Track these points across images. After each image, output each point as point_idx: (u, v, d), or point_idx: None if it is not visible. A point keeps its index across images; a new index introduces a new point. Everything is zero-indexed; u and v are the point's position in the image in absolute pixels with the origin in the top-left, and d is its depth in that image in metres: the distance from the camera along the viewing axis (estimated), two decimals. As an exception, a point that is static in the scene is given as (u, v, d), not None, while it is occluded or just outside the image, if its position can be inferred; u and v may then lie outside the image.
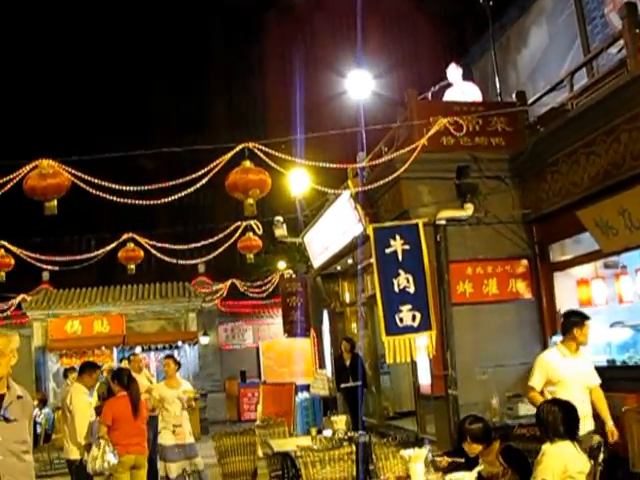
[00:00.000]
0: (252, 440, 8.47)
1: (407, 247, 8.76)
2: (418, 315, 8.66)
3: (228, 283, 20.49)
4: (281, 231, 14.56)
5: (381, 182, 9.31)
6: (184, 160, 10.13)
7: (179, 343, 19.96)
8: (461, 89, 10.83)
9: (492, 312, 9.39)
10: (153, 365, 20.22)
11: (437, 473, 5.31)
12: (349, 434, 7.97)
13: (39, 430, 14.03)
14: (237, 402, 21.16)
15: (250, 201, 8.19)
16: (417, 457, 5.09)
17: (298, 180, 12.25)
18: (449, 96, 10.78)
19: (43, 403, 16.39)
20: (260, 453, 8.69)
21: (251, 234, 13.56)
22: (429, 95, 10.91)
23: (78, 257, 14.36)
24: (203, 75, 36.35)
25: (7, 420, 4.39)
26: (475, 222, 9.46)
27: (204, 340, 21.30)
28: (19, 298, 20.24)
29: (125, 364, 14.39)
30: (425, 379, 9.95)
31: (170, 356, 10.63)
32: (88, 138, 28.67)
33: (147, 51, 34.46)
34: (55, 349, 19.77)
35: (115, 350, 19.35)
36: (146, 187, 8.73)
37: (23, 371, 17.13)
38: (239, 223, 13.47)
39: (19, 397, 4.51)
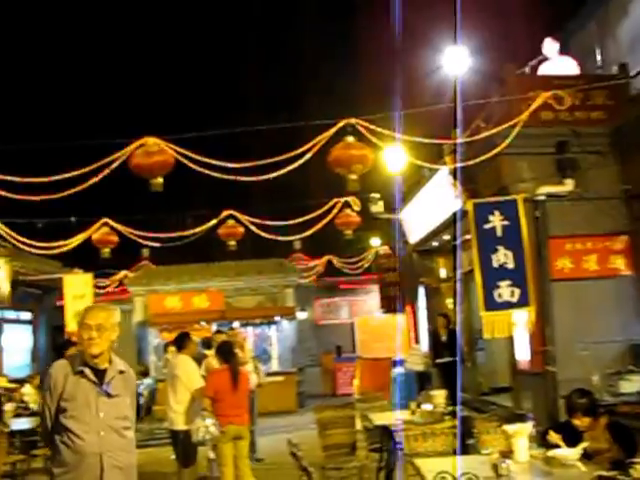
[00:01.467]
0: (351, 413, 8.64)
1: (506, 223, 8.77)
2: (517, 291, 8.67)
3: (324, 260, 20.72)
4: (377, 207, 14.65)
5: (480, 158, 9.31)
6: (283, 138, 10.30)
7: (276, 318, 20.29)
8: (557, 63, 10.66)
9: (591, 288, 9.32)
10: (252, 340, 20.64)
11: (540, 449, 5.36)
12: (449, 408, 8.08)
13: (142, 401, 14.62)
14: (332, 376, 21.44)
15: (353, 177, 8.32)
16: (520, 432, 5.15)
17: (395, 156, 12.31)
18: (545, 70, 10.63)
19: (144, 375, 17.01)
20: (359, 426, 8.87)
21: (349, 210, 13.70)
22: (526, 70, 10.78)
23: (178, 234, 14.81)
24: (300, 53, 36.51)
25: (109, 395, 4.40)
26: (575, 197, 9.37)
27: (301, 315, 21.62)
28: (121, 274, 20.94)
29: (219, 337, 14.85)
30: (523, 355, 9.94)
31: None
32: (191, 116, 29.28)
33: (245, 29, 34.86)
34: (155, 324, 20.31)
35: (214, 325, 19.84)
36: (248, 164, 8.94)
37: (125, 345, 17.73)
38: (337, 200, 13.62)
39: (121, 372, 4.54)
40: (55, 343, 20.45)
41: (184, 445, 8.75)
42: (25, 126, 24.28)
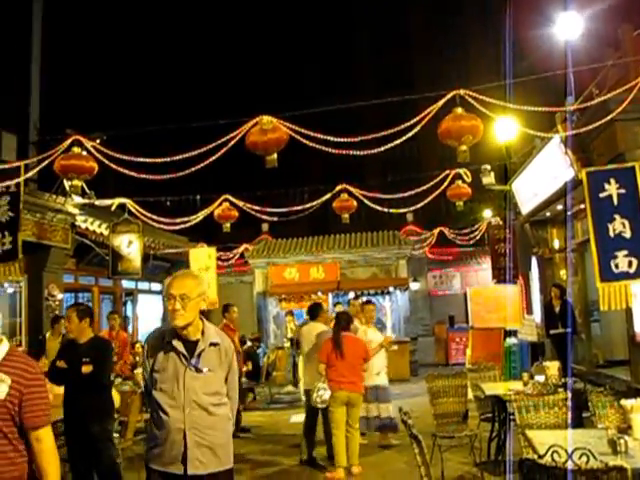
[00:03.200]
0: (463, 382, 8.43)
1: (623, 191, 8.23)
2: (635, 261, 8.15)
3: (436, 231, 20.41)
4: (489, 179, 14.25)
5: (593, 125, 8.80)
6: (394, 112, 10.11)
7: (390, 289, 20.20)
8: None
9: None
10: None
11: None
12: (562, 380, 7.75)
13: (261, 368, 14.84)
14: (445, 346, 21.18)
15: (463, 148, 8.04)
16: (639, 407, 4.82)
17: (505, 127, 11.87)
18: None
19: (259, 342, 17.25)
20: (471, 396, 8.66)
21: (460, 182, 13.37)
22: (644, 31, 10.09)
23: (295, 208, 14.91)
24: (410, 26, 35.94)
25: (198, 370, 4.05)
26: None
27: (414, 286, 21.44)
28: (242, 248, 21.30)
29: (340, 308, 14.87)
30: (642, 327, 9.44)
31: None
32: (304, 93, 29.45)
33: (356, 10, 34.69)
34: (274, 294, 20.65)
35: (330, 295, 19.96)
36: (358, 138, 8.83)
37: (246, 314, 18.19)
38: (448, 172, 13.32)
39: (213, 344, 4.16)
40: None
41: (307, 406, 9.16)
42: (149, 111, 24.95)
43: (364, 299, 13.32)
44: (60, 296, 14.49)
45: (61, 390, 7.47)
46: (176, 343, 4.08)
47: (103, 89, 26.67)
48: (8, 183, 10.13)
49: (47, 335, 11.19)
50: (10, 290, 14.02)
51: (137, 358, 13.11)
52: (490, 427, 7.97)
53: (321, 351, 8.54)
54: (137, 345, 14.26)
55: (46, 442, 3.18)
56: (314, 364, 8.72)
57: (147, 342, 4.34)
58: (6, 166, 10.33)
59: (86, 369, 6.54)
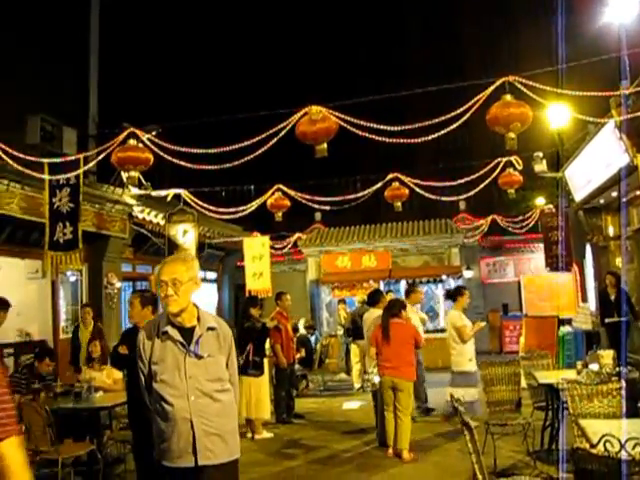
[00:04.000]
0: (516, 371, 8.34)
1: (680, 177, 8.01)
2: (692, 248, 7.93)
3: (489, 219, 20.16)
4: (541, 166, 14.01)
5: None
6: (443, 100, 10.02)
7: (443, 277, 20.03)
8: None
9: None
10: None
11: None
12: (616, 369, 7.60)
13: (314, 355, 14.92)
14: (499, 334, 20.96)
15: (511, 135, 7.92)
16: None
17: (557, 113, 11.63)
18: None
19: (312, 329, 17.31)
20: (524, 384, 8.57)
21: (511, 170, 13.18)
22: None
23: (347, 197, 14.90)
24: (459, 13, 35.49)
25: (198, 357, 3.91)
26: None
27: (467, 274, 21.21)
28: (295, 237, 21.37)
29: (391, 296, 14.83)
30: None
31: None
32: (354, 82, 29.37)
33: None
34: (327, 282, 20.68)
35: (382, 283, 19.90)
36: (408, 127, 8.77)
37: (299, 302, 18.25)
38: (499, 159, 13.14)
39: (211, 329, 4.01)
40: (237, 300, 21.34)
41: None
42: (203, 103, 25.19)
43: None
44: (118, 284, 14.79)
45: (121, 375, 7.60)
46: (172, 331, 3.94)
47: (158, 83, 27.00)
48: (68, 175, 10.35)
49: (79, 326, 11.34)
50: (72, 279, 14.37)
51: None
52: (543, 416, 7.89)
53: (371, 336, 8.86)
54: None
55: (9, 458, 2.48)
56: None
57: (140, 334, 4.11)
58: (67, 159, 10.54)
59: None
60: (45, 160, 10.04)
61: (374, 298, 10.35)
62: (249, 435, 10.17)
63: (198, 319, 4.01)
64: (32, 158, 9.66)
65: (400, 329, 8.59)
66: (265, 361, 10.52)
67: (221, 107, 16.15)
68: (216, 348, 4.02)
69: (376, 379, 8.79)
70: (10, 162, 9.41)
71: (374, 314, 9.64)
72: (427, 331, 18.43)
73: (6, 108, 12.17)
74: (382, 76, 31.69)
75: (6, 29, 14.10)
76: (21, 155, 9.52)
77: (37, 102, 13.64)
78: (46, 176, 10.25)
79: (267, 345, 10.87)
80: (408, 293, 11.46)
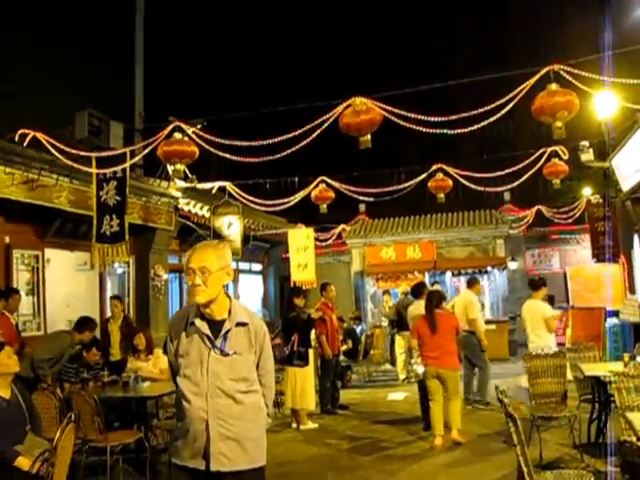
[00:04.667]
0: (562, 363, 8.21)
1: None
2: None
3: (534, 210, 19.86)
4: (587, 156, 13.74)
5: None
6: (486, 91, 9.88)
7: (488, 268, 19.79)
8: None
9: None
10: (462, 289, 20.32)
11: None
12: (665, 361, 7.43)
13: (359, 346, 14.88)
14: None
15: (558, 124, 7.77)
16: None
17: (604, 101, 11.37)
18: None
19: (359, 320, 17.27)
20: (570, 376, 8.44)
21: (557, 160, 12.96)
22: None
23: (391, 188, 14.83)
24: (502, 2, 34.96)
25: (223, 353, 3.60)
26: None
27: (512, 265, 20.94)
28: (339, 228, 21.37)
29: (437, 287, 14.75)
30: None
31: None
32: (395, 73, 29.15)
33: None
34: (372, 274, 20.64)
35: (427, 275, 19.77)
36: (452, 117, 8.69)
37: (343, 293, 18.24)
38: (545, 149, 12.93)
39: (241, 324, 3.67)
40: (282, 291, 21.43)
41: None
42: (247, 96, 25.29)
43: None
44: (165, 276, 14.96)
45: (167, 365, 7.65)
46: (199, 323, 3.64)
47: (203, 76, 27.21)
48: (115, 169, 10.48)
49: (110, 320, 11.38)
50: (120, 270, 14.58)
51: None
52: (590, 408, 7.76)
53: (413, 328, 9.03)
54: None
55: None
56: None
57: (170, 324, 3.93)
58: (114, 153, 10.68)
59: None
60: (93, 154, 10.19)
61: (418, 290, 10.50)
62: (294, 425, 10.22)
63: (229, 312, 3.68)
64: (80, 152, 9.81)
65: (441, 320, 8.68)
66: (310, 352, 10.54)
67: (266, 99, 16.18)
68: (245, 345, 3.68)
69: (420, 369, 8.85)
70: (60, 157, 9.58)
71: (418, 306, 9.68)
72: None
73: (56, 105, 12.43)
74: (426, 66, 31.41)
75: (55, 30, 14.39)
76: (69, 149, 9.68)
77: (85, 98, 13.91)
78: (94, 170, 10.40)
79: (312, 336, 10.89)
80: (472, 284, 11.57)
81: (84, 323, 8.55)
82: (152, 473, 7.63)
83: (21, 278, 11.52)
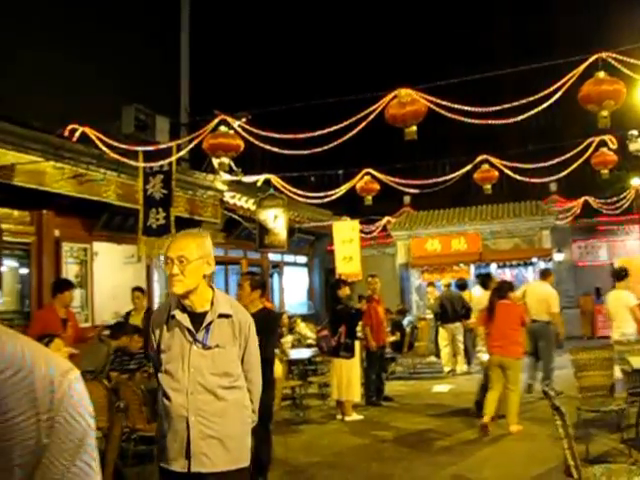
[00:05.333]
0: (610, 355, 8.08)
1: None
2: None
3: (581, 200, 19.51)
4: (636, 145, 13.45)
5: None
6: (532, 79, 9.69)
7: (533, 260, 19.47)
8: None
9: None
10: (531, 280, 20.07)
11: None
12: None
13: (405, 338, 14.82)
14: (591, 318, 20.30)
15: (604, 113, 7.61)
16: None
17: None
18: None
19: (403, 314, 17.19)
20: (618, 370, 8.29)
21: (605, 149, 12.69)
22: None
23: (436, 180, 14.70)
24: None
25: (206, 347, 3.42)
26: None
27: (558, 257, 20.60)
28: (384, 220, 21.29)
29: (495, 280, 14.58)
30: None
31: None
32: (440, 64, 28.83)
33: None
34: (417, 266, 20.47)
35: (472, 267, 19.58)
36: (497, 107, 8.57)
37: (389, 285, 18.16)
38: (592, 139, 12.66)
39: (224, 316, 3.48)
40: (327, 283, 21.45)
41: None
42: (291, 88, 25.28)
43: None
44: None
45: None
46: (180, 316, 3.45)
47: (248, 70, 27.30)
48: (161, 163, 10.60)
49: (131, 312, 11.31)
50: (167, 263, 14.74)
51: (282, 329, 13.50)
52: (639, 403, 7.61)
53: (479, 317, 9.56)
54: (284, 316, 14.65)
55: None
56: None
57: (152, 317, 3.75)
58: (160, 147, 10.80)
59: None
60: (139, 148, 10.31)
61: (485, 281, 10.97)
62: (339, 417, 10.25)
63: (212, 304, 3.49)
64: (127, 146, 9.95)
65: (507, 310, 8.82)
66: (356, 344, 10.55)
67: (310, 92, 16.18)
68: (229, 338, 3.48)
69: (485, 357, 9.19)
70: (107, 151, 9.73)
71: (486, 296, 9.83)
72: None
73: (104, 100, 12.63)
74: (470, 57, 30.98)
75: (102, 26, 14.61)
76: (117, 144, 9.82)
77: (132, 93, 14.09)
78: (140, 164, 10.53)
79: (359, 328, 10.93)
80: (546, 275, 12.05)
81: (118, 329, 8.64)
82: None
83: (70, 271, 11.75)
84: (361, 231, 17.71)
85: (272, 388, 7.08)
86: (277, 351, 10.86)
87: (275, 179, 14.79)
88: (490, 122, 9.54)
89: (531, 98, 8.41)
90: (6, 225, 10.12)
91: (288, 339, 12.76)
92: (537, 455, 7.62)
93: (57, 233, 11.41)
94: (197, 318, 3.45)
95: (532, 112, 8.68)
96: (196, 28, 18.85)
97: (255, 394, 3.69)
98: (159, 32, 17.03)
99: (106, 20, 14.95)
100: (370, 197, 14.57)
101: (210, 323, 3.45)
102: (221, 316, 3.47)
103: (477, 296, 11.55)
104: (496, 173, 13.40)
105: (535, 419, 9.26)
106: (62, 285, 8.96)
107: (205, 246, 3.48)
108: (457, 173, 14.16)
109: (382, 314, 11.76)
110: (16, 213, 10.69)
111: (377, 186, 14.43)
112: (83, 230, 12.09)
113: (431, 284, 17.70)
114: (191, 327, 3.43)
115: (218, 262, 15.96)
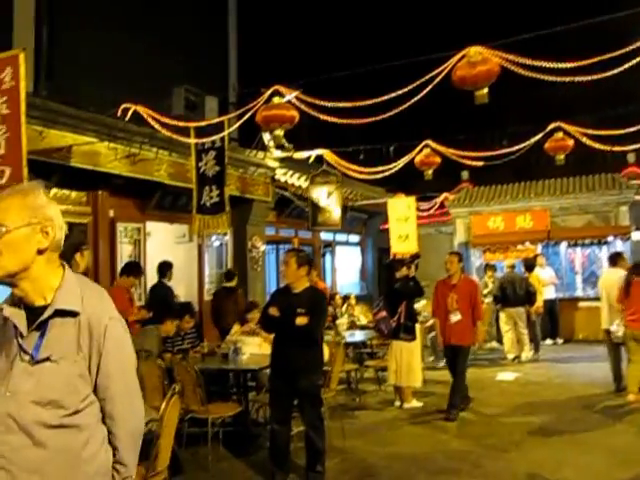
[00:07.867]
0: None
1: None
2: None
3: (663, 173, 18.83)
4: None
5: None
6: (616, 32, 9.18)
7: (609, 238, 18.70)
8: None
9: None
10: (579, 261, 19.68)
11: None
12: None
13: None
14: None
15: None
16: None
17: None
18: None
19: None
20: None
21: (695, 114, 12.18)
22: None
23: (500, 152, 14.28)
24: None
25: (33, 360, 2.31)
26: None
27: (637, 235, 19.79)
28: (442, 197, 21.06)
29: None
30: None
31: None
32: (514, 17, 27.99)
33: None
34: (478, 245, 20.01)
35: (539, 245, 19.12)
36: (584, 62, 8.10)
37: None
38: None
39: (65, 313, 2.35)
40: (381, 263, 21.39)
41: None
42: (345, 54, 25.06)
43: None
44: (263, 248, 15.20)
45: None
46: (11, 312, 2.39)
47: (296, 42, 27.14)
48: (213, 138, 10.69)
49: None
50: (217, 243, 14.91)
51: (336, 310, 13.52)
52: None
53: (617, 294, 9.96)
54: (337, 297, 14.65)
55: None
56: (614, 305, 10.13)
57: None
58: (211, 122, 10.87)
59: (300, 321, 6.37)
60: (192, 124, 10.43)
61: (615, 259, 11.23)
62: (397, 403, 10.18)
63: (56, 292, 2.41)
64: (179, 123, 10.09)
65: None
66: (417, 327, 10.40)
67: (366, 57, 15.98)
68: (70, 347, 2.35)
69: (620, 332, 9.91)
70: (160, 128, 9.89)
71: (616, 273, 10.45)
72: (588, 298, 17.68)
73: (154, 83, 12.99)
74: (548, 8, 29.81)
75: (149, 9, 15.02)
76: (168, 121, 9.95)
77: (181, 74, 14.44)
78: (192, 140, 10.62)
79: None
80: (615, 260, 11.67)
81: (163, 314, 8.83)
82: (253, 448, 7.81)
83: (124, 251, 12.12)
84: (418, 208, 17.53)
85: (321, 370, 7.01)
86: (332, 333, 10.86)
87: (329, 154, 14.68)
88: (576, 79, 8.68)
89: (607, 55, 7.96)
90: (64, 206, 10.42)
91: (343, 320, 12.73)
92: (617, 455, 7.34)
93: (112, 213, 11.80)
94: (36, 316, 2.37)
95: (608, 73, 8.24)
96: (243, 6, 19.19)
97: (124, 440, 2.47)
98: (207, 14, 17.62)
99: (157, 4, 15.57)
100: (430, 171, 14.28)
101: (45, 323, 2.36)
102: (60, 313, 2.36)
103: (544, 278, 12.56)
104: (571, 142, 12.85)
105: (618, 414, 9.12)
106: (134, 269, 9.68)
107: (35, 208, 2.36)
108: (527, 142, 13.61)
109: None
110: (74, 194, 11.13)
111: (438, 159, 14.05)
112: (136, 210, 12.43)
113: (490, 267, 17.33)
114: (22, 328, 2.35)
115: (269, 241, 16.12)
